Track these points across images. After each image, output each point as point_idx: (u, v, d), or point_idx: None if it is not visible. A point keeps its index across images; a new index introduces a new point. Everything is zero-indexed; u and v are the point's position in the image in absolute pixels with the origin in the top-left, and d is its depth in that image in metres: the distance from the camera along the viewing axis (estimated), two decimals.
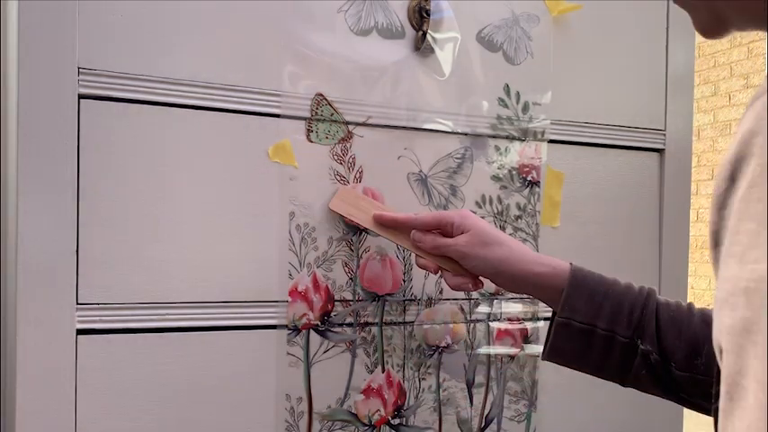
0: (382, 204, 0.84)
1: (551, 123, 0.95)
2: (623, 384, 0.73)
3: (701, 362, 0.68)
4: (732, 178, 0.37)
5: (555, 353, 0.74)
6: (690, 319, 0.71)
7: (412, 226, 0.80)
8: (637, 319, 0.70)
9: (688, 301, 0.79)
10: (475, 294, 0.91)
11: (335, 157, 0.83)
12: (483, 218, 0.91)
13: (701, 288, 4.59)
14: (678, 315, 0.71)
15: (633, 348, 0.70)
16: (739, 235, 0.35)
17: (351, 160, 0.84)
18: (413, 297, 0.87)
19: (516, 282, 0.75)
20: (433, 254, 0.79)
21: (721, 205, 0.38)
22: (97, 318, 0.73)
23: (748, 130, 0.36)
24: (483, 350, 0.92)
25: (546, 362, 0.76)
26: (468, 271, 0.77)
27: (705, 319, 0.70)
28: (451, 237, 0.78)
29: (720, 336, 0.36)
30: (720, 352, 0.36)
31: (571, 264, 0.74)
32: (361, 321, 0.85)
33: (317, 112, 0.82)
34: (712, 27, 0.48)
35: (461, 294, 0.90)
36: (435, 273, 0.80)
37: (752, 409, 0.32)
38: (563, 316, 0.72)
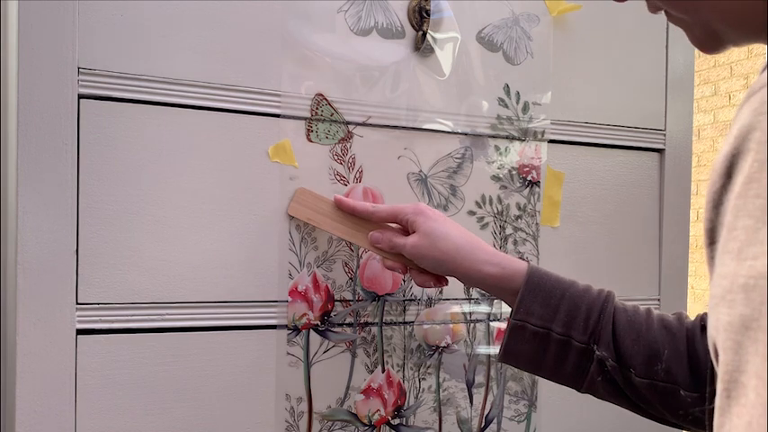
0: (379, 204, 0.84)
1: (551, 123, 0.95)
2: (579, 390, 0.71)
3: (661, 368, 0.67)
4: (728, 174, 0.37)
5: (509, 355, 0.71)
6: (648, 324, 0.69)
7: (368, 219, 0.78)
8: (593, 324, 0.68)
9: (686, 300, 0.78)
10: (475, 294, 0.91)
11: (335, 157, 0.83)
12: (482, 218, 0.91)
13: (702, 288, 4.58)
14: (636, 319, 0.69)
15: (589, 354, 0.68)
16: (736, 231, 0.34)
17: (351, 160, 0.84)
18: (413, 297, 0.87)
19: (471, 281, 0.74)
20: (392, 253, 0.77)
21: (717, 202, 0.38)
22: (97, 318, 0.73)
23: (745, 126, 0.36)
24: (483, 350, 0.92)
25: None
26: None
27: (665, 324, 0.69)
28: (408, 233, 0.76)
29: (716, 333, 0.35)
30: (715, 350, 0.36)
31: (528, 263, 0.72)
32: (361, 321, 0.85)
33: (316, 112, 0.82)
34: (708, 43, 0.48)
35: (461, 294, 0.90)
36: (405, 273, 0.78)
37: (753, 405, 0.32)
38: (517, 318, 0.69)
